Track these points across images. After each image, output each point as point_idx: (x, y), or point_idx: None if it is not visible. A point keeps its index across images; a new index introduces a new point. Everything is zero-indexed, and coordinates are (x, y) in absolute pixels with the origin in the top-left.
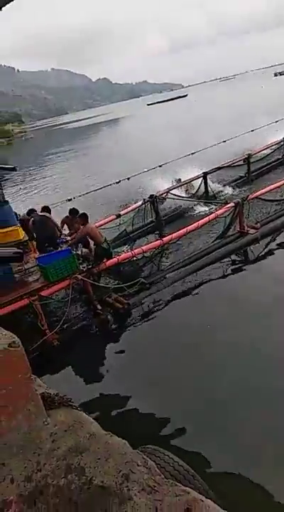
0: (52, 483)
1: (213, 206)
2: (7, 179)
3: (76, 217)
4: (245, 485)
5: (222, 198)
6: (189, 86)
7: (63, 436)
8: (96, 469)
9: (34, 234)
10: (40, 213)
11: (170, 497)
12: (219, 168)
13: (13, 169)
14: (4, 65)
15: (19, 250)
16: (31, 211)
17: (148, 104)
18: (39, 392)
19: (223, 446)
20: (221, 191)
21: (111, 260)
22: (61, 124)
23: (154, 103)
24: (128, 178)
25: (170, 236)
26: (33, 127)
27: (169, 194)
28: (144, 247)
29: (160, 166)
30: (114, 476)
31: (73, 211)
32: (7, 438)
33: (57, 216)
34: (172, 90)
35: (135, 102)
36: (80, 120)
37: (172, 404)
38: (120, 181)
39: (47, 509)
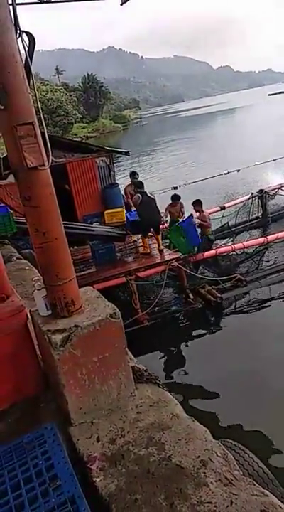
0: (133, 451)
1: None
2: (119, 162)
3: (177, 203)
4: None
5: None
6: None
7: (148, 410)
8: (175, 448)
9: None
10: (149, 195)
11: (246, 494)
12: None
13: (127, 154)
14: (130, 52)
15: (124, 232)
16: (139, 185)
17: (269, 94)
18: (130, 365)
19: None
20: None
21: (209, 252)
22: (175, 112)
23: (276, 93)
24: (238, 170)
25: (275, 235)
26: (148, 114)
27: (280, 190)
28: (246, 243)
29: (273, 160)
30: (193, 459)
31: (175, 197)
32: (98, 400)
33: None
34: None
35: (255, 92)
36: (195, 109)
37: (252, 409)
38: (228, 172)
39: (127, 473)
